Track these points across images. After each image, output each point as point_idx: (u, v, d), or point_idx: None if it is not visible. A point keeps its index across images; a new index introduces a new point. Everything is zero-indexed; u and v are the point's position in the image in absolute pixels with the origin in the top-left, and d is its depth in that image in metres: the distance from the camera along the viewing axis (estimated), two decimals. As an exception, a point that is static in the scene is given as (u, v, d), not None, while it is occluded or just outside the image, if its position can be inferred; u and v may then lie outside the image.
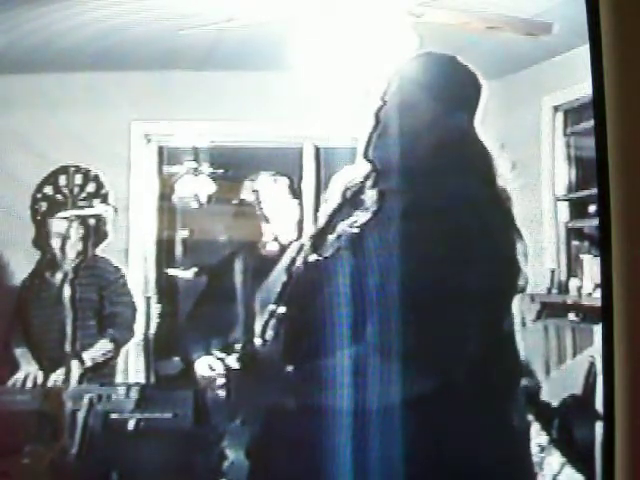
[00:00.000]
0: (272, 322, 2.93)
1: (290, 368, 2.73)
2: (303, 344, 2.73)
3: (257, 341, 3.00)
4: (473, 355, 2.52)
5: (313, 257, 2.77)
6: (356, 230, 2.67)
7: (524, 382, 2.69)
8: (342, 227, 2.72)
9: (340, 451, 2.53)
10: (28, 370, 3.23)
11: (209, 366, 3.11)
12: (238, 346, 3.08)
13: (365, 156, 2.71)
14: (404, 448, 2.49)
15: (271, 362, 2.86)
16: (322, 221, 2.81)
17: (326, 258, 2.72)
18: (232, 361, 3.06)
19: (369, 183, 2.71)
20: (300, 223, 3.30)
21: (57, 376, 3.21)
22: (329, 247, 2.73)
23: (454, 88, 2.72)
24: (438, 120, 2.67)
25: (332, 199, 2.79)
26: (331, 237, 2.73)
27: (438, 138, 2.66)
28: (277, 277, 3.07)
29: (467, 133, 2.69)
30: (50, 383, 3.20)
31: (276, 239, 3.27)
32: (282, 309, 2.88)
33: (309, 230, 3.22)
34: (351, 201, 2.75)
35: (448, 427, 2.48)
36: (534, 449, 2.69)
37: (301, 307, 2.79)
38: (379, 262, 2.58)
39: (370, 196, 2.69)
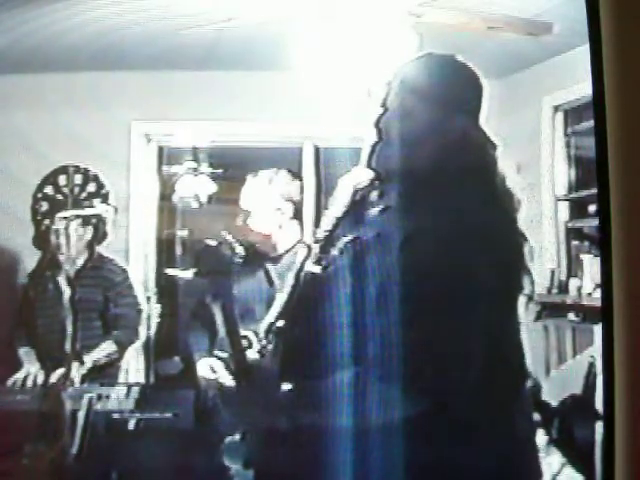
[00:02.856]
0: (270, 335, 2.92)
1: (287, 387, 2.72)
2: (300, 361, 2.72)
3: (254, 354, 3.00)
4: (477, 364, 2.51)
5: (314, 270, 2.76)
6: (359, 243, 2.66)
7: (527, 385, 2.68)
8: (344, 242, 2.70)
9: (340, 468, 2.53)
10: (29, 370, 3.23)
11: (210, 367, 3.11)
12: (232, 359, 3.07)
13: (369, 166, 2.70)
14: (406, 458, 2.49)
15: (269, 378, 2.85)
16: (325, 230, 2.80)
17: (327, 273, 2.71)
18: (229, 374, 3.06)
19: (373, 195, 2.70)
20: (300, 223, 3.30)
21: (57, 376, 3.22)
22: (331, 261, 2.71)
23: (455, 90, 2.70)
24: (441, 124, 2.66)
25: (336, 208, 2.78)
26: (333, 251, 2.72)
27: (441, 142, 2.64)
28: (277, 283, 3.07)
29: (470, 135, 2.68)
30: (50, 383, 3.21)
31: (277, 238, 3.27)
32: (280, 322, 2.88)
33: (309, 232, 3.22)
34: (354, 213, 2.74)
35: (452, 436, 2.48)
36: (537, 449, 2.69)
37: (300, 321, 2.78)
38: (381, 275, 2.57)
39: (373, 210, 2.68)
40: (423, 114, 2.66)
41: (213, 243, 3.29)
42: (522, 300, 2.64)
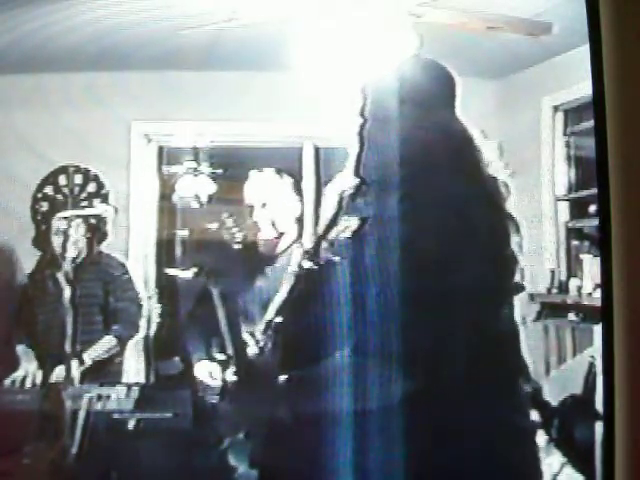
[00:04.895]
0: (269, 332, 2.93)
1: (285, 377, 2.73)
2: (298, 353, 2.73)
3: (254, 351, 3.00)
4: (471, 354, 2.52)
5: (308, 265, 2.77)
6: (348, 235, 2.67)
7: (525, 382, 2.68)
8: (335, 233, 2.71)
9: (340, 456, 2.53)
10: (28, 368, 3.23)
11: (209, 373, 3.11)
12: (233, 357, 3.08)
13: (356, 174, 2.71)
14: (404, 451, 2.49)
15: (268, 373, 2.86)
16: (319, 230, 2.81)
17: (320, 266, 2.72)
18: (229, 373, 3.06)
19: (361, 191, 2.71)
20: (301, 222, 3.30)
21: (57, 375, 3.22)
22: (323, 254, 2.73)
23: (428, 87, 2.71)
24: (420, 123, 2.66)
25: (327, 209, 2.79)
26: (325, 244, 2.74)
27: (422, 141, 2.65)
28: (275, 280, 3.08)
29: (450, 130, 2.69)
30: (50, 382, 3.21)
31: (278, 237, 3.27)
32: (278, 318, 2.89)
33: (308, 233, 3.22)
34: (345, 208, 2.75)
35: (448, 427, 2.48)
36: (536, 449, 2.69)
37: (297, 315, 2.79)
38: (372, 267, 2.58)
39: (362, 202, 2.69)
40: (401, 116, 2.67)
41: (214, 226, 3.31)
42: (513, 289, 2.64)
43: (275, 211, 3.29)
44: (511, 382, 2.64)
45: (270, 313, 3.00)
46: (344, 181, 2.74)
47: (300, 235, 3.27)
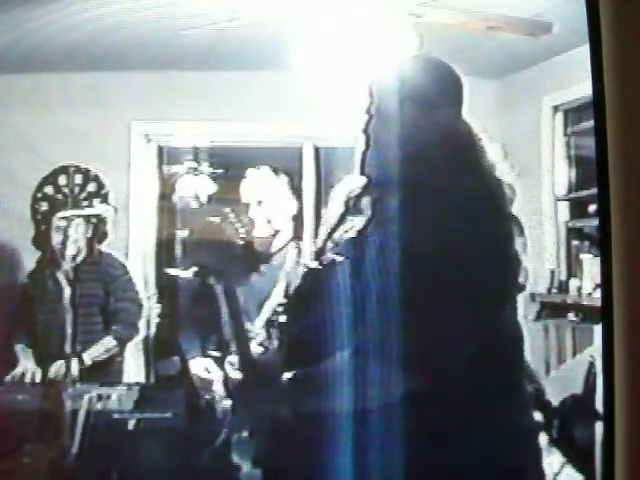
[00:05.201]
0: (270, 330, 2.94)
1: (289, 375, 2.73)
2: (301, 353, 2.73)
3: (255, 349, 3.01)
4: (473, 354, 2.52)
5: (312, 265, 2.78)
6: (353, 235, 2.67)
7: (527, 383, 2.68)
8: (339, 233, 2.72)
9: (343, 456, 2.54)
10: (27, 366, 3.23)
11: (205, 368, 3.11)
12: (236, 354, 3.08)
13: (362, 173, 2.71)
14: (406, 450, 2.49)
15: (271, 372, 2.86)
16: (324, 232, 2.81)
17: (324, 265, 2.72)
18: (232, 370, 3.06)
19: (367, 191, 2.71)
20: (300, 222, 3.31)
21: (57, 374, 3.22)
22: (328, 254, 2.73)
23: (435, 87, 2.70)
24: (424, 124, 2.66)
25: (334, 209, 2.79)
26: (330, 244, 2.74)
27: (428, 141, 2.64)
28: (272, 278, 3.08)
29: (455, 131, 2.68)
30: (50, 380, 3.21)
31: (275, 237, 3.28)
32: (281, 317, 2.89)
33: (308, 232, 3.23)
34: (351, 208, 2.75)
35: (449, 427, 2.48)
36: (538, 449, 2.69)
37: (300, 315, 2.80)
38: (376, 267, 2.58)
39: (365, 201, 2.69)
40: (407, 116, 2.66)
41: (216, 220, 3.31)
42: (517, 291, 2.64)
43: (271, 209, 3.30)
44: (513, 382, 2.64)
45: (267, 311, 3.00)
46: (351, 181, 2.74)
47: (296, 233, 3.28)
